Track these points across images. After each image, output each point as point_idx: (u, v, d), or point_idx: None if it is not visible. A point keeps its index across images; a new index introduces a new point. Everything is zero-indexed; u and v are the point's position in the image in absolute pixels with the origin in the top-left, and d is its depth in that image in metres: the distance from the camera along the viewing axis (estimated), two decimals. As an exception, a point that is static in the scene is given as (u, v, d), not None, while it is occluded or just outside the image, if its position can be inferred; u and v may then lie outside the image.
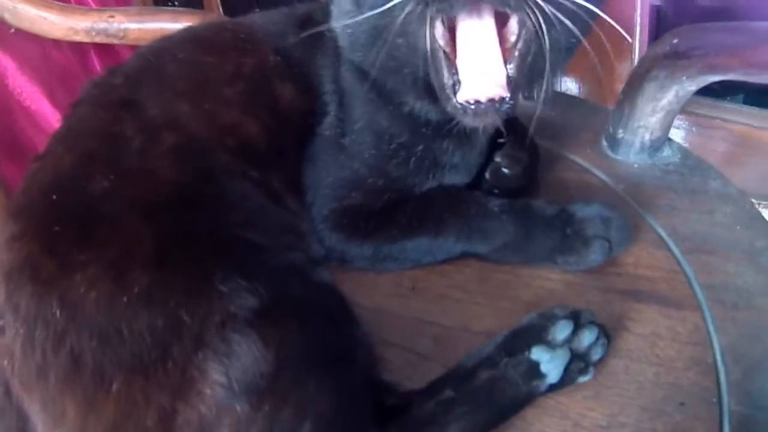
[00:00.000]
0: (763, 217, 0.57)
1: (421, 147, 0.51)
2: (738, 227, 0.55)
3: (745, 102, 1.07)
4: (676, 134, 0.91)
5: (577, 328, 0.44)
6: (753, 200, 1.01)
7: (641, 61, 0.59)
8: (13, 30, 0.70)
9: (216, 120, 0.49)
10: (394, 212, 0.52)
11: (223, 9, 1.23)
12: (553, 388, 0.43)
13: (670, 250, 0.53)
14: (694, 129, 1.01)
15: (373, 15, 0.42)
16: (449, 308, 0.49)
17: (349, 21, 0.46)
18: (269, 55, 0.53)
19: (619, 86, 0.62)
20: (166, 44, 0.55)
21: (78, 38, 0.67)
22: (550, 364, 0.42)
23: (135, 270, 0.38)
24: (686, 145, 1.02)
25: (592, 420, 0.42)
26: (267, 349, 0.36)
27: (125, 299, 0.37)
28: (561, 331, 0.44)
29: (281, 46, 0.53)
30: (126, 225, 0.41)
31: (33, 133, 0.87)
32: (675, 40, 0.56)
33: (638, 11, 0.95)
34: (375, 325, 0.45)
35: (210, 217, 0.44)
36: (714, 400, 0.43)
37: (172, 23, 0.68)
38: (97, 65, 0.94)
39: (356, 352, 0.41)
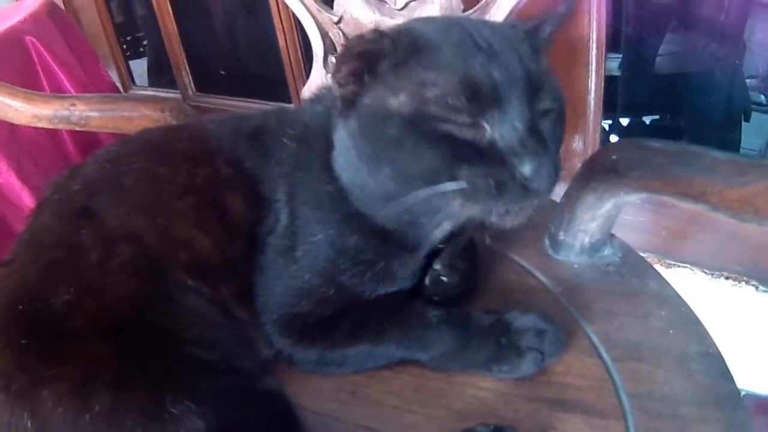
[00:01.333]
0: (698, 320, 0.58)
1: (382, 263, 0.54)
2: (671, 331, 0.56)
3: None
4: (628, 211, 0.93)
5: None
6: (706, 271, 1.04)
7: (581, 168, 0.62)
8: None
9: (169, 234, 0.52)
10: (338, 320, 0.54)
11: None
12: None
13: (601, 357, 0.54)
14: (646, 206, 1.05)
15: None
16: (386, 415, 0.51)
17: (389, 202, 0.49)
18: (221, 166, 0.55)
19: (574, 161, 0.64)
20: (123, 150, 0.58)
21: (41, 125, 0.70)
22: None
23: (97, 390, 0.43)
24: (640, 219, 1.05)
25: None
26: None
27: (88, 417, 0.42)
28: None
29: (233, 157, 0.55)
30: (88, 342, 0.45)
31: (4, 206, 0.89)
32: (614, 156, 0.59)
33: (592, 90, 0.99)
34: (319, 429, 0.48)
35: (164, 335, 0.47)
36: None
37: (132, 112, 0.70)
38: (68, 140, 0.97)
39: None
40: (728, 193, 0.52)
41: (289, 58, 1.19)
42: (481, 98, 0.44)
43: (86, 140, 1.03)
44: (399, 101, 0.45)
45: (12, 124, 0.84)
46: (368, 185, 0.50)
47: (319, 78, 0.75)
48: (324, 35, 0.74)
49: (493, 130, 0.44)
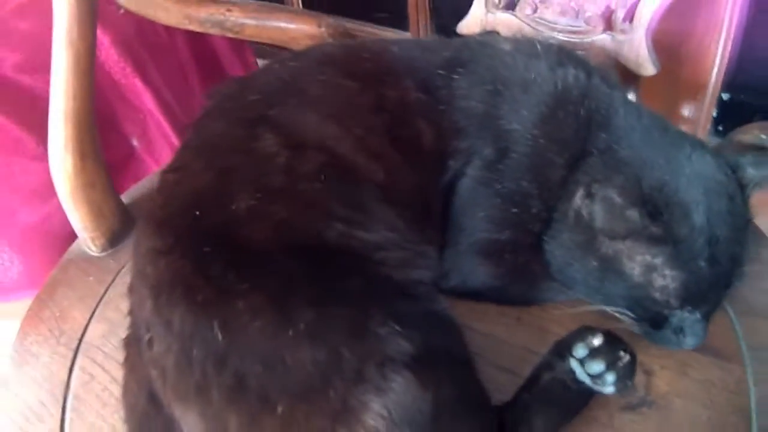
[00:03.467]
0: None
1: None
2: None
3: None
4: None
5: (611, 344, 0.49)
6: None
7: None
8: (122, 11, 0.70)
9: (364, 146, 0.52)
10: (535, 257, 0.56)
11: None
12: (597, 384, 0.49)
13: (726, 311, 0.59)
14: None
15: None
16: (550, 341, 0.54)
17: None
18: (411, 91, 0.55)
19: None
20: (302, 63, 0.57)
21: (191, 27, 0.68)
22: (590, 362, 0.48)
23: (299, 306, 0.43)
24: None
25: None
26: (425, 391, 0.42)
27: (290, 332, 0.42)
28: (597, 339, 0.49)
29: (425, 84, 0.56)
30: (279, 254, 0.46)
31: (120, 107, 0.88)
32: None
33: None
34: (487, 349, 0.53)
35: (358, 251, 0.49)
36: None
37: (288, 24, 0.68)
38: (184, 47, 0.95)
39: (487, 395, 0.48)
40: None
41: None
42: (690, 299, 0.50)
43: (202, 49, 1.00)
44: (629, 257, 0.51)
45: (138, 27, 0.83)
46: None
47: (480, 12, 0.72)
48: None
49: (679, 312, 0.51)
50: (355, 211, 0.49)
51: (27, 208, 0.83)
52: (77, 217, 0.68)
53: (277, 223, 0.46)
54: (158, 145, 0.92)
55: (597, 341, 0.48)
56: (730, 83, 1.00)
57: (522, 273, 0.56)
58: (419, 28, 1.18)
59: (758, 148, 0.61)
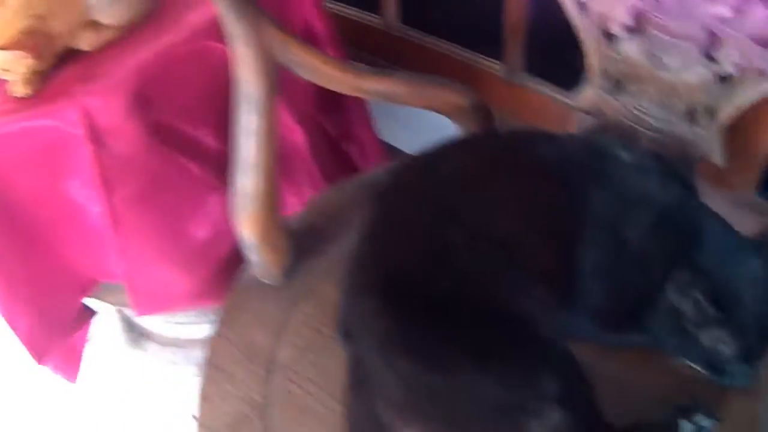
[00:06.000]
0: None
1: None
2: None
3: None
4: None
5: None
6: None
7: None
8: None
9: (539, 240, 0.69)
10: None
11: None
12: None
13: None
14: None
15: None
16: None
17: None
18: (563, 190, 0.71)
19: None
20: (474, 158, 0.75)
21: (359, 95, 0.83)
22: None
23: (488, 358, 0.61)
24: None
25: None
26: (569, 419, 0.60)
27: (482, 376, 0.61)
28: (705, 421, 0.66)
29: (571, 184, 0.72)
30: (470, 322, 0.63)
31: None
32: None
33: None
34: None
35: (523, 316, 0.66)
36: None
37: (438, 93, 0.82)
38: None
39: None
40: None
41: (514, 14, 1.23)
42: (742, 357, 0.68)
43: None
44: (704, 332, 0.69)
45: (296, 84, 0.95)
46: None
47: (592, 93, 0.89)
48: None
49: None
50: (524, 288, 0.66)
51: (201, 233, 1.01)
52: (259, 252, 0.83)
53: (468, 297, 0.63)
54: (305, 186, 1.09)
55: (705, 423, 0.66)
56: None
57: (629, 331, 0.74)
58: (514, 58, 1.29)
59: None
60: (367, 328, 0.66)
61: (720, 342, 0.68)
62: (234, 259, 0.98)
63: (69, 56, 0.95)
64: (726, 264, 0.70)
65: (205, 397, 0.79)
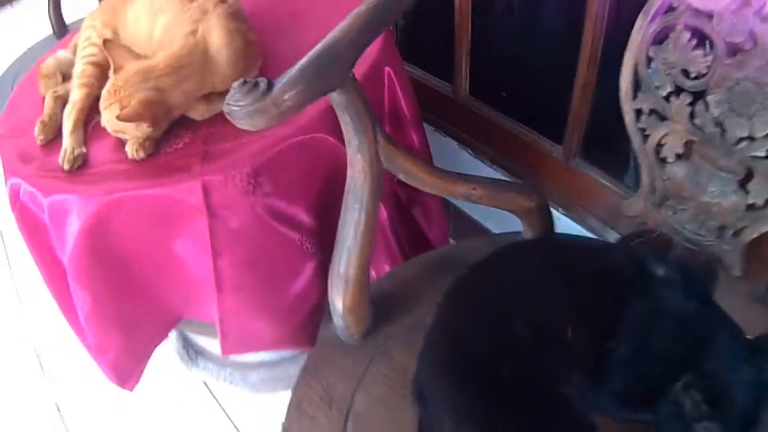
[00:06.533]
0: None
1: None
2: None
3: None
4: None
5: None
6: None
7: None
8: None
9: (583, 332, 0.83)
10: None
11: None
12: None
13: None
14: None
15: None
16: None
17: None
18: (600, 294, 0.86)
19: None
20: (524, 264, 0.90)
21: (448, 196, 0.98)
22: None
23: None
24: None
25: None
26: None
27: None
28: None
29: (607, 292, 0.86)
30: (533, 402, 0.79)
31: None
32: None
33: None
34: None
35: (562, 392, 0.81)
36: None
37: (512, 198, 0.97)
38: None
39: None
40: None
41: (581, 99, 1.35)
42: None
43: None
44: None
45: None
46: None
47: (638, 204, 1.04)
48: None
49: None
50: (568, 374, 0.80)
51: (292, 291, 1.15)
52: (345, 319, 0.95)
53: (524, 380, 0.78)
54: (383, 259, 1.23)
55: None
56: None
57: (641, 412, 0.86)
58: (572, 144, 1.45)
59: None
60: (441, 398, 0.80)
61: (710, 429, 0.81)
62: (316, 313, 1.15)
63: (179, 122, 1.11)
64: (726, 369, 0.84)
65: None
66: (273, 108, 0.75)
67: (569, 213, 1.50)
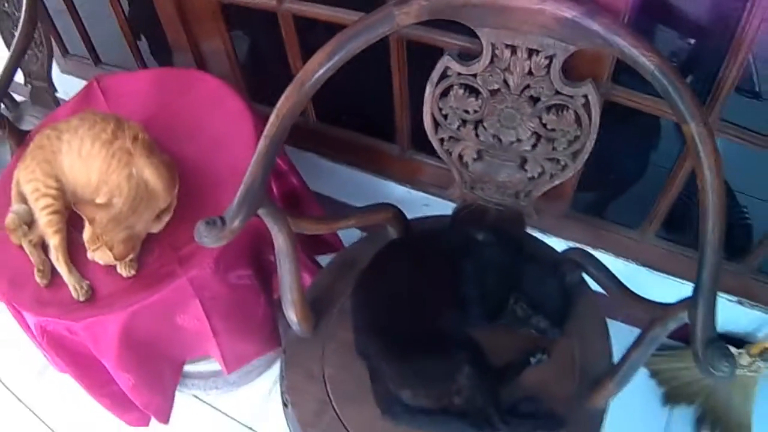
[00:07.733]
0: None
1: None
2: None
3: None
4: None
5: None
6: None
7: None
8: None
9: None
10: None
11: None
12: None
13: None
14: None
15: None
16: None
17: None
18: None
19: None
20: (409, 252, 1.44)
21: (329, 231, 1.52)
22: None
23: (433, 351, 1.24)
24: None
25: None
26: (477, 370, 1.20)
27: (431, 362, 1.25)
28: None
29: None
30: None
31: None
32: None
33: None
34: None
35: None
36: None
37: (375, 218, 1.53)
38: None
39: None
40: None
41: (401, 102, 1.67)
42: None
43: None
44: None
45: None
46: None
47: None
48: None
49: None
50: (441, 314, 1.31)
51: (260, 316, 1.67)
52: (298, 323, 1.31)
53: (417, 327, 1.26)
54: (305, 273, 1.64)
55: (543, 356, 1.25)
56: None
57: (495, 320, 1.33)
58: (405, 142, 1.86)
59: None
60: (375, 350, 1.24)
61: (539, 322, 1.24)
62: (274, 326, 1.69)
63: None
64: (539, 284, 1.27)
65: (294, 403, 1.29)
66: (228, 233, 1.09)
67: (414, 187, 1.90)
